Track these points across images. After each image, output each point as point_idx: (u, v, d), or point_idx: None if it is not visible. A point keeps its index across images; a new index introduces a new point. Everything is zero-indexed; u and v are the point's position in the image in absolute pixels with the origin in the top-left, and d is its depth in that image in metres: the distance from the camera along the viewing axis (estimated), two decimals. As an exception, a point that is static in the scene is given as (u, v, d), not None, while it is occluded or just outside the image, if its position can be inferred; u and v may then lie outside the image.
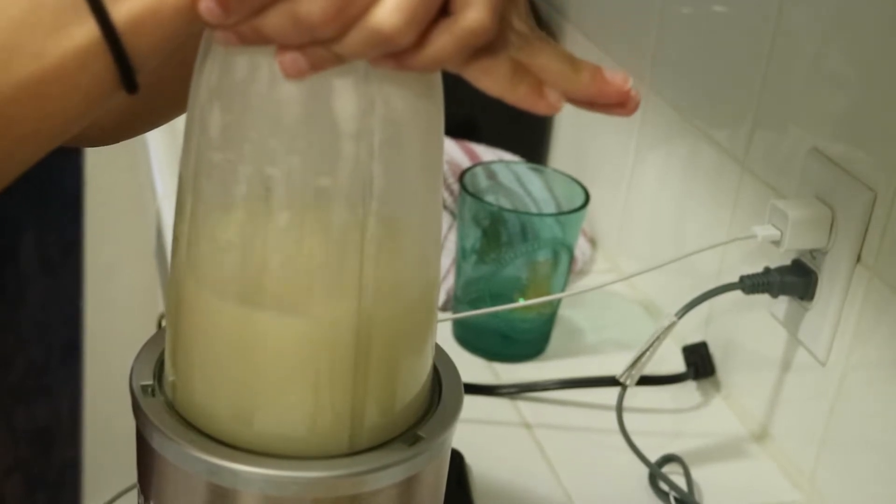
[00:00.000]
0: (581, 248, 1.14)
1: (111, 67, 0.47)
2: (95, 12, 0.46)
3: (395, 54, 0.48)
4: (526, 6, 0.51)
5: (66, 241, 1.96)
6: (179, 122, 0.53)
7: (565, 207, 0.98)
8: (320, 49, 0.47)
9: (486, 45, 0.49)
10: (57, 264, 1.98)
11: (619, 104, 0.52)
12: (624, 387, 0.86)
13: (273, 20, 0.47)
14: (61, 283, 1.98)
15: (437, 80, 0.52)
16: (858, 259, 0.81)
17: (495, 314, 0.96)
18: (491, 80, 0.50)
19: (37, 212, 1.95)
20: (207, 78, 0.50)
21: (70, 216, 1.92)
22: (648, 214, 1.10)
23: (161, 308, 1.32)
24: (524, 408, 0.94)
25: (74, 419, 2.02)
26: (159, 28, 0.47)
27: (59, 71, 0.46)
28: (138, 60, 0.47)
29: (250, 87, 0.49)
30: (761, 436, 0.93)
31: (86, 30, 0.46)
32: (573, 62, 0.51)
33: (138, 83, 0.48)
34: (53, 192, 1.93)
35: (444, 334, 1.01)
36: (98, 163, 1.81)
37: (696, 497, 0.85)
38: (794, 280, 0.85)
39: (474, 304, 0.97)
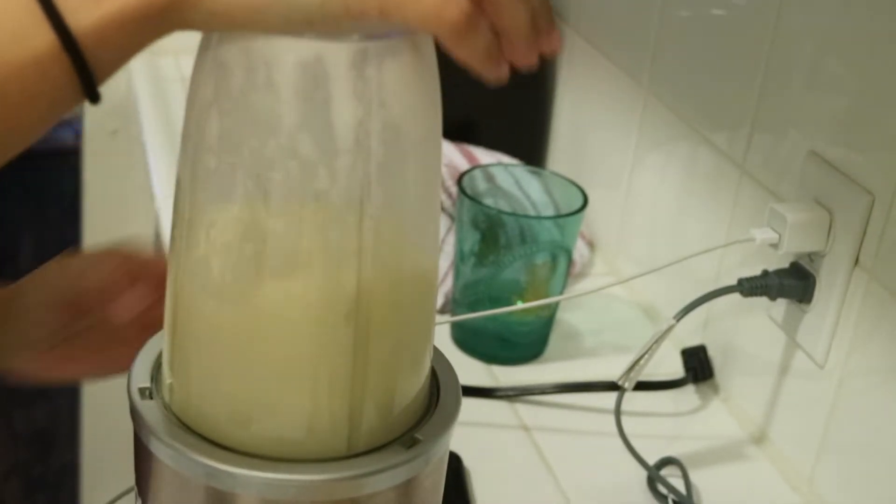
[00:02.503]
0: (579, 250, 1.14)
1: (72, 77, 0.47)
2: (53, 22, 0.46)
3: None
4: None
5: (64, 244, 1.95)
6: (177, 125, 0.53)
7: (564, 210, 0.98)
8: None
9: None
10: (56, 267, 1.98)
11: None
12: (622, 390, 0.86)
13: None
14: (60, 286, 1.98)
15: (436, 82, 0.52)
16: (856, 262, 0.81)
17: (494, 317, 0.96)
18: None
19: (36, 215, 1.95)
20: (205, 82, 0.50)
21: (69, 219, 1.92)
22: (647, 217, 1.10)
23: (160, 311, 1.32)
24: (522, 410, 0.94)
25: (73, 422, 2.02)
26: (123, 38, 0.47)
27: (19, 78, 0.46)
28: (100, 69, 0.47)
29: (248, 92, 0.49)
30: (760, 439, 0.93)
31: (45, 39, 0.46)
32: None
33: (100, 93, 0.48)
34: (52, 195, 1.93)
35: (442, 337, 1.01)
36: (97, 166, 1.81)
37: (695, 500, 0.85)
38: (793, 283, 0.85)
39: (473, 307, 0.97)
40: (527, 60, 0.52)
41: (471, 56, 0.49)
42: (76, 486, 2.03)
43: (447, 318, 1.00)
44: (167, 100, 1.42)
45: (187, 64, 0.52)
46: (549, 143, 1.29)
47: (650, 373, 0.90)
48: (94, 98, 0.48)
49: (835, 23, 0.83)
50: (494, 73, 0.51)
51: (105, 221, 1.82)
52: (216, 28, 0.49)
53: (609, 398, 0.90)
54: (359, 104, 0.49)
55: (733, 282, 0.87)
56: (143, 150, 1.34)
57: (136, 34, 0.47)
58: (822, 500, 0.85)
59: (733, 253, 0.95)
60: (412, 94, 0.51)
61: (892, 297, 0.78)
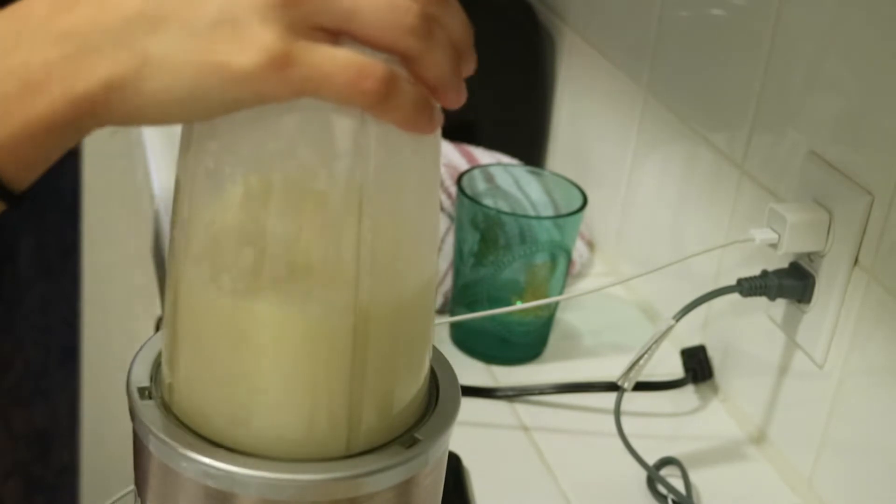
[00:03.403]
0: (579, 250, 1.14)
1: None
2: None
3: None
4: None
5: (64, 244, 1.96)
6: (177, 125, 0.53)
7: (563, 210, 0.98)
8: None
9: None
10: (55, 267, 1.98)
11: None
12: (622, 390, 0.86)
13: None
14: (59, 286, 1.98)
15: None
16: (856, 262, 0.81)
17: (493, 317, 0.96)
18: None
19: (35, 215, 1.95)
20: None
21: (68, 219, 1.92)
22: (646, 217, 1.10)
23: (159, 311, 1.32)
24: (522, 411, 0.94)
25: (72, 422, 2.02)
26: (35, 149, 0.47)
27: None
28: (16, 179, 0.48)
29: None
30: (759, 439, 0.93)
31: None
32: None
33: (19, 196, 0.48)
34: (51, 195, 1.93)
35: (441, 337, 1.01)
36: (96, 166, 1.81)
37: (695, 500, 0.85)
38: (792, 283, 0.85)
39: (472, 307, 0.97)
40: (454, 103, 0.51)
41: (400, 117, 0.48)
42: (76, 486, 2.03)
43: (446, 318, 1.00)
44: (167, 100, 1.42)
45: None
46: (549, 143, 1.29)
47: (650, 373, 0.90)
48: (15, 203, 0.48)
49: (834, 23, 0.83)
50: (425, 126, 0.50)
51: (105, 222, 1.82)
52: (133, 125, 0.49)
53: (609, 398, 0.90)
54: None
55: (733, 282, 0.87)
56: (142, 151, 1.34)
57: (48, 144, 0.47)
58: (822, 500, 0.85)
59: (733, 253, 0.95)
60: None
61: (892, 297, 0.78)
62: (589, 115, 1.21)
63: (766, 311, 0.90)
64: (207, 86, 0.46)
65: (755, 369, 0.93)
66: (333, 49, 0.47)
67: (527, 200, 1.01)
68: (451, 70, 0.50)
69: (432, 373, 0.58)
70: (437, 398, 0.58)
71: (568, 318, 1.06)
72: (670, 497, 0.84)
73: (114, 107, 0.47)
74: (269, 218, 0.50)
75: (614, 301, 1.11)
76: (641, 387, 0.92)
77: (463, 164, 1.12)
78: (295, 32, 0.46)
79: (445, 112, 0.53)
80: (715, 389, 0.98)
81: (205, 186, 0.51)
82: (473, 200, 0.95)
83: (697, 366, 0.98)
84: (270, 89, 0.47)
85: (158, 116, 0.48)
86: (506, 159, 1.16)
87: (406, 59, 0.49)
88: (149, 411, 0.54)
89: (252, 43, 0.46)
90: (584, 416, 0.94)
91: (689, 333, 1.00)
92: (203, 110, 0.48)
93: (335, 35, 0.48)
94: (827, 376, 0.84)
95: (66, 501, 2.07)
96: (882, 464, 0.80)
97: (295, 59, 0.46)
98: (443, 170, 1.08)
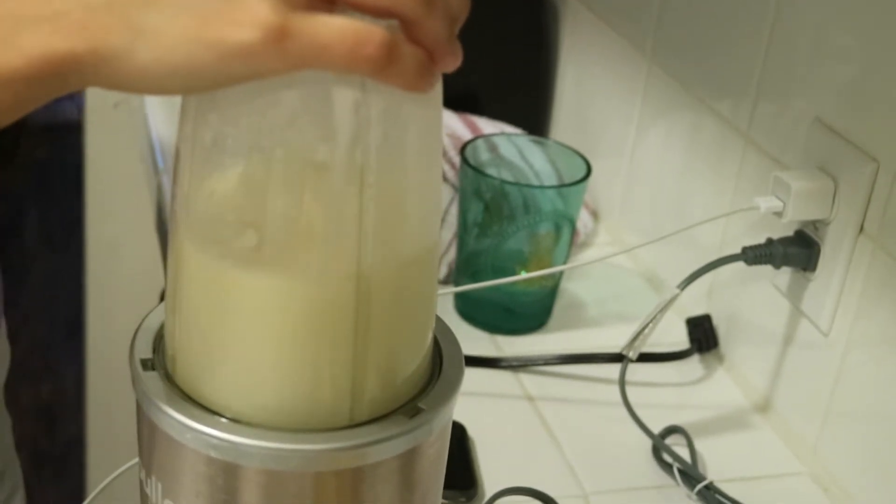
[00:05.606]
0: (583, 220, 1.14)
1: None
2: None
3: None
4: None
5: (68, 217, 1.96)
6: (178, 96, 0.53)
7: (567, 180, 0.97)
8: None
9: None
10: (60, 241, 1.98)
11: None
12: (627, 360, 0.86)
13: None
14: (64, 260, 1.98)
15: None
16: (861, 229, 0.81)
17: (497, 287, 0.96)
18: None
19: (39, 189, 1.95)
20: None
21: (72, 193, 1.92)
22: (651, 186, 1.10)
23: (164, 283, 1.32)
24: (526, 380, 0.94)
25: (78, 396, 2.02)
26: (9, 95, 0.46)
27: None
28: None
29: None
30: (764, 407, 0.92)
31: None
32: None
33: None
34: (55, 168, 1.93)
35: (445, 307, 1.01)
36: (99, 138, 1.80)
37: (700, 468, 0.85)
38: (797, 251, 0.85)
39: (476, 278, 0.97)
40: (450, 67, 0.50)
41: (402, 81, 0.48)
42: (82, 459, 2.04)
43: (450, 288, 1.00)
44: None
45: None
46: (553, 112, 1.29)
47: (654, 342, 0.90)
48: None
49: (839, -11, 0.82)
50: (427, 87, 0.49)
51: (108, 194, 1.82)
52: (124, 91, 0.48)
53: (613, 368, 0.90)
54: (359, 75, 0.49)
55: (737, 250, 0.87)
56: (145, 123, 1.34)
57: (23, 94, 0.47)
58: (826, 468, 0.85)
59: (737, 221, 0.95)
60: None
61: (897, 265, 0.78)
62: (593, 85, 1.21)
63: (772, 280, 0.90)
64: (202, 61, 0.46)
65: (760, 338, 0.93)
66: (330, 18, 0.46)
67: (530, 170, 1.01)
68: (449, 34, 0.49)
69: (436, 343, 0.58)
70: (441, 368, 0.58)
71: (572, 287, 1.06)
72: (676, 465, 0.84)
73: (102, 73, 0.47)
74: (270, 189, 0.50)
75: (619, 270, 1.10)
76: (646, 357, 0.92)
77: (466, 134, 1.12)
78: (290, 4, 0.46)
79: (448, 81, 0.52)
80: (720, 358, 0.98)
81: (205, 158, 0.51)
82: (477, 170, 0.95)
83: (702, 335, 0.98)
84: (267, 63, 0.46)
85: (150, 87, 0.47)
86: (509, 129, 1.16)
87: (405, 23, 0.48)
88: (152, 382, 0.54)
89: (247, 17, 0.45)
90: (588, 386, 0.94)
91: (693, 303, 1.00)
92: (198, 84, 0.47)
93: (331, 2, 0.47)
94: (832, 344, 0.84)
95: (73, 474, 2.07)
96: (887, 431, 0.79)
97: (291, 31, 0.46)
98: (446, 140, 1.08)
